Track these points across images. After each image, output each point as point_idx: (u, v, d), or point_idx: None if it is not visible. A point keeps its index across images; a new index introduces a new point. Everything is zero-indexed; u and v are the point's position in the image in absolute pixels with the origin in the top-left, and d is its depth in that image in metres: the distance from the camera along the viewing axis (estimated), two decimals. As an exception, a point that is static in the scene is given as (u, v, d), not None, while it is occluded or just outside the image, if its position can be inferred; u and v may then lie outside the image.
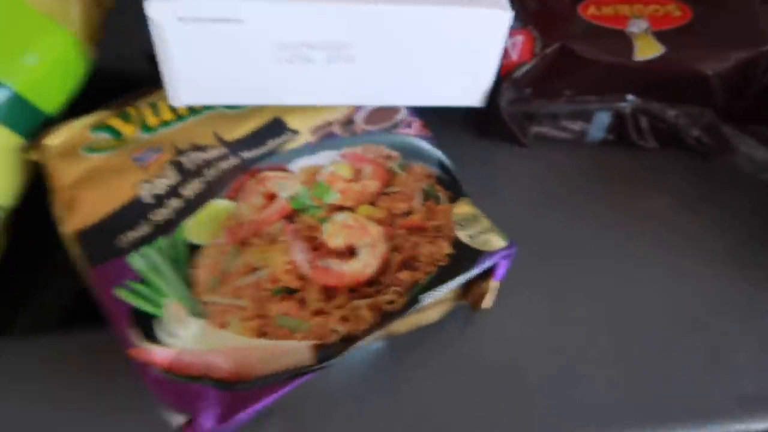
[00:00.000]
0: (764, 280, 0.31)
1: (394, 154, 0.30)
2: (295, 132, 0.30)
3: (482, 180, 0.32)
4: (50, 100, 0.30)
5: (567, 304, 0.30)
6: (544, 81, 0.31)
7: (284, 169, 0.29)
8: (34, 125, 0.30)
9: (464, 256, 0.27)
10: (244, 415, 0.24)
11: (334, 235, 0.27)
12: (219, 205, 0.28)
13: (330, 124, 0.31)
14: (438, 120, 0.32)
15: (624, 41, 0.30)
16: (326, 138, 0.30)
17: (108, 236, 0.27)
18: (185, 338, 0.26)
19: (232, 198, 0.28)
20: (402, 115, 0.31)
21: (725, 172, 0.34)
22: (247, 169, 0.29)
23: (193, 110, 0.31)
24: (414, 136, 0.31)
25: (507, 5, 0.26)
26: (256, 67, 0.27)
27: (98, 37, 0.32)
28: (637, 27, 0.30)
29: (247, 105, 0.31)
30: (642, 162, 0.34)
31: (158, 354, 0.25)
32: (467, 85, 0.28)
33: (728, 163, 0.33)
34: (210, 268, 0.27)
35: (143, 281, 0.26)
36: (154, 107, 0.31)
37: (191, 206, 0.28)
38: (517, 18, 0.31)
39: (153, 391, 0.24)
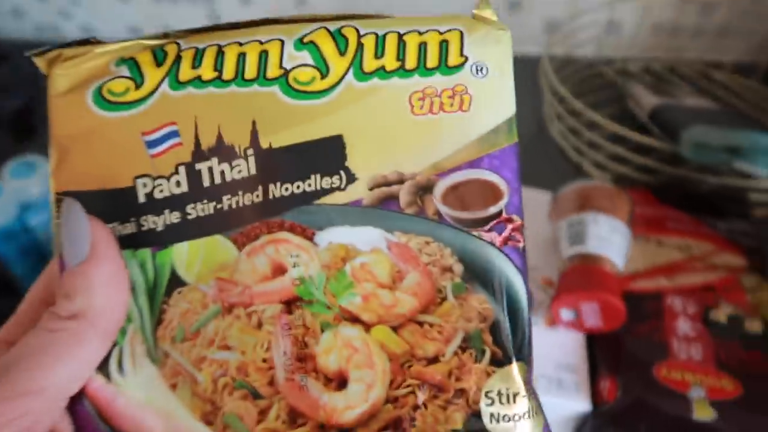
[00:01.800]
0: None
1: (457, 268, 0.22)
2: (350, 176, 0.22)
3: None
4: None
5: None
6: (623, 416, 0.38)
7: (310, 238, 0.22)
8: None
9: (473, 439, 0.21)
10: None
11: (330, 351, 0.21)
12: (221, 244, 0.22)
13: (399, 180, 0.22)
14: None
15: (686, 403, 0.38)
16: (383, 204, 0.22)
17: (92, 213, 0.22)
18: (131, 380, 0.22)
19: (238, 244, 0.22)
20: (499, 207, 0.22)
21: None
22: (269, 217, 0.22)
23: (243, 79, 0.23)
24: (500, 248, 0.22)
25: (587, 398, 0.36)
26: None
27: None
28: (696, 393, 0.38)
29: (315, 103, 0.23)
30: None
31: (97, 387, 0.22)
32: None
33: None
34: (182, 314, 0.22)
35: (113, 293, 0.22)
36: (197, 54, 0.23)
37: (189, 230, 0.22)
38: (608, 368, 0.39)
39: (77, 424, 0.22)
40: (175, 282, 0.22)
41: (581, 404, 0.37)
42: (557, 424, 0.38)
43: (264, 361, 0.21)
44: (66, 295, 0.21)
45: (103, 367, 0.22)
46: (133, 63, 0.22)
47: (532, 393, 0.22)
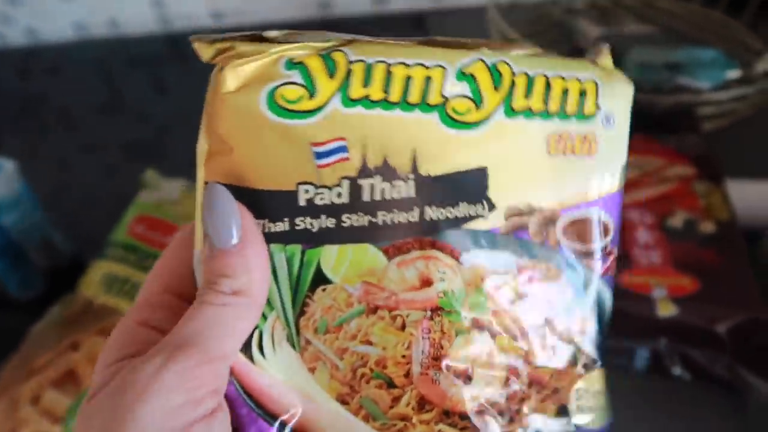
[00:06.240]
0: None
1: (568, 291, 0.26)
2: (490, 205, 0.25)
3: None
4: None
5: None
6: None
7: (456, 258, 0.25)
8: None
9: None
10: None
11: (462, 353, 0.25)
12: (370, 253, 0.24)
13: (530, 212, 0.25)
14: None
15: (650, 303, 0.43)
16: (516, 233, 0.25)
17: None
18: (272, 361, 0.25)
19: (388, 255, 0.25)
20: (605, 242, 0.26)
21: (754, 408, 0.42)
22: (422, 236, 0.25)
23: (406, 103, 0.24)
24: (602, 276, 0.26)
25: None
26: None
27: None
28: (658, 293, 0.43)
29: (468, 134, 0.25)
30: (679, 392, 0.43)
31: (242, 366, 0.24)
32: None
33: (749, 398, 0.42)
34: (326, 309, 0.25)
35: (259, 283, 0.24)
36: (367, 71, 0.24)
37: (341, 236, 0.24)
38: None
39: (227, 401, 0.24)
40: (320, 280, 0.25)
41: None
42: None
43: (403, 357, 0.25)
44: (226, 274, 0.22)
45: (245, 349, 0.24)
46: (304, 69, 0.23)
47: (607, 390, 0.27)
